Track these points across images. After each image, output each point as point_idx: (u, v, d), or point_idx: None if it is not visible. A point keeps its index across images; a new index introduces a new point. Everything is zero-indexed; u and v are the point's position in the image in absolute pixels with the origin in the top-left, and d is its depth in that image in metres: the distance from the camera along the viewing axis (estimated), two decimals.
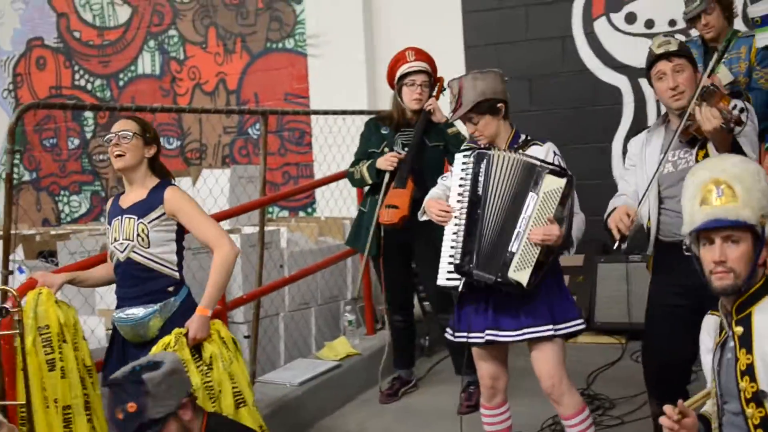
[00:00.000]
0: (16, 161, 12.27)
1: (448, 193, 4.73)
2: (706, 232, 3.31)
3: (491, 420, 4.91)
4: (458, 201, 4.59)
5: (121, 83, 11.70)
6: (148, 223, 4.66)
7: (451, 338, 4.81)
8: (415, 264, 6.74)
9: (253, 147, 10.51)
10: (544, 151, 4.63)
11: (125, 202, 4.80)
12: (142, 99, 11.19)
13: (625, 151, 8.28)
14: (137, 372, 3.80)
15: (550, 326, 4.53)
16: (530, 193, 4.41)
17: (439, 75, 6.61)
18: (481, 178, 4.51)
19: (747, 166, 3.38)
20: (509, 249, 4.41)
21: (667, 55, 4.56)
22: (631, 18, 8.41)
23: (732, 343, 3.31)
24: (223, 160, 10.81)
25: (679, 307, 4.48)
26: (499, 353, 4.81)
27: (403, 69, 6.44)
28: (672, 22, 8.22)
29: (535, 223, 4.39)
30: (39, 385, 4.49)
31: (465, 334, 4.66)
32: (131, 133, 4.71)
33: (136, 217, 4.68)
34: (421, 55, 6.50)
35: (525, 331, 4.52)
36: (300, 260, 7.66)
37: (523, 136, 4.73)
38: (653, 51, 4.63)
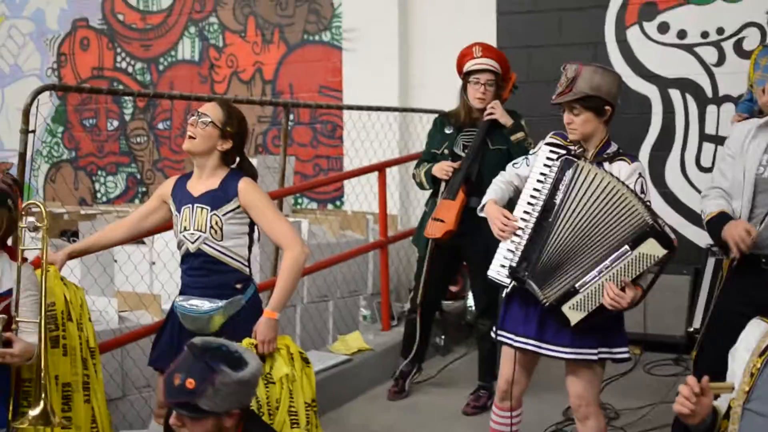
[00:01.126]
0: (57, 140, 12.52)
1: (516, 183, 4.62)
2: None
3: (498, 420, 4.84)
4: (532, 197, 4.44)
5: (161, 67, 11.79)
6: (223, 215, 4.49)
7: (494, 335, 4.67)
8: (468, 267, 6.74)
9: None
10: (629, 171, 4.39)
11: (195, 189, 4.61)
12: (180, 84, 11.30)
13: (652, 160, 8.30)
14: (219, 356, 3.65)
15: (595, 350, 4.40)
16: (625, 246, 4.19)
17: (513, 73, 6.55)
18: (562, 186, 4.32)
19: None
20: (575, 284, 4.27)
21: None
22: (663, 28, 8.36)
23: None
24: (256, 149, 10.85)
25: (744, 317, 4.05)
26: (530, 362, 4.71)
27: (468, 65, 6.32)
28: (704, 34, 8.18)
29: (614, 276, 4.21)
30: (42, 362, 4.51)
31: (511, 336, 4.55)
32: (209, 120, 4.52)
33: (209, 208, 4.51)
34: (489, 52, 6.37)
35: (569, 350, 4.39)
36: (318, 253, 7.67)
37: (614, 147, 4.51)
38: None
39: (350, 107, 8.34)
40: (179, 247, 4.65)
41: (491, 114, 6.24)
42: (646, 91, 8.44)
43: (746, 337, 3.54)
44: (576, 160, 4.36)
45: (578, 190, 4.29)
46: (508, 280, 4.50)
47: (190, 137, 4.53)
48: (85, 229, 6.72)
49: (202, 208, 4.51)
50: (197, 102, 10.39)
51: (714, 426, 3.41)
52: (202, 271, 4.56)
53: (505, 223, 4.45)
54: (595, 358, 4.42)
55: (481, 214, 4.66)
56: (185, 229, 4.56)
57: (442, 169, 6.24)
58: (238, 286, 4.56)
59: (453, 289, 8.28)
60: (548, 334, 4.44)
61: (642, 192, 4.36)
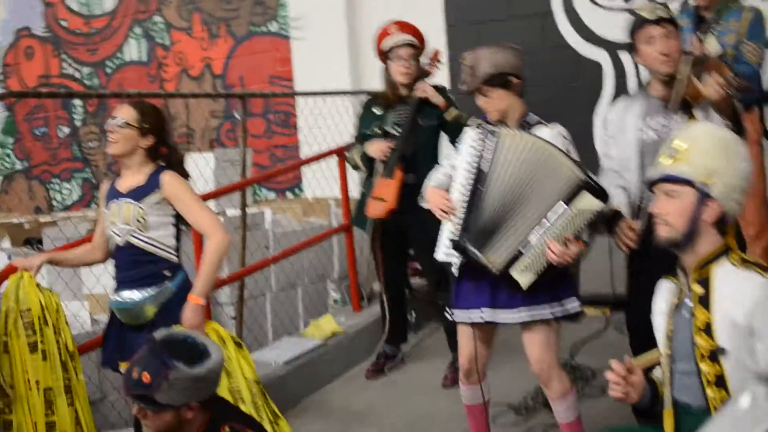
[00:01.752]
0: (8, 151, 12.43)
1: (452, 174, 4.64)
2: (653, 186, 3.47)
3: (467, 394, 4.89)
4: (464, 176, 4.49)
5: (108, 71, 11.74)
6: (146, 207, 4.62)
7: (450, 317, 4.71)
8: (412, 245, 6.77)
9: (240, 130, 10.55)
10: (550, 134, 4.49)
11: (122, 186, 4.74)
12: (129, 86, 11.24)
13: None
14: (179, 350, 3.69)
15: (548, 308, 4.46)
16: (561, 203, 4.28)
17: (434, 48, 6.60)
18: (487, 154, 4.39)
19: (715, 133, 3.46)
20: (520, 248, 4.32)
21: (657, 21, 4.54)
22: None
23: (689, 303, 3.37)
24: (210, 143, 10.85)
25: (654, 273, 4.43)
26: (486, 334, 4.75)
27: (387, 44, 6.41)
28: None
29: (554, 234, 4.29)
30: (21, 367, 4.56)
31: (465, 313, 4.59)
32: (124, 122, 4.64)
33: (134, 202, 4.64)
34: (405, 27, 6.44)
35: (523, 313, 4.44)
36: (284, 241, 7.70)
37: (534, 118, 4.63)
38: (642, 15, 4.60)
39: (306, 93, 8.36)
40: (109, 242, 4.78)
41: (423, 93, 6.31)
42: (597, 56, 8.49)
43: (658, 301, 3.63)
44: (496, 128, 4.46)
45: (503, 153, 4.37)
46: (455, 260, 4.56)
47: (112, 142, 4.67)
48: (53, 235, 6.69)
49: (128, 202, 4.64)
50: (148, 100, 10.47)
51: (658, 397, 3.50)
52: (131, 264, 4.68)
53: (445, 203, 4.52)
54: (549, 316, 4.48)
55: (424, 205, 4.73)
56: (113, 224, 4.69)
57: (380, 149, 6.30)
58: (167, 273, 4.68)
59: (419, 266, 8.33)
60: (501, 301, 4.49)
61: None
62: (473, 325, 4.62)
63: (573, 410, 4.67)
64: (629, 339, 4.98)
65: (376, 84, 8.60)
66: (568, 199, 4.27)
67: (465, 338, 4.74)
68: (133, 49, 11.50)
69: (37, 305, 4.63)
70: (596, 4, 8.47)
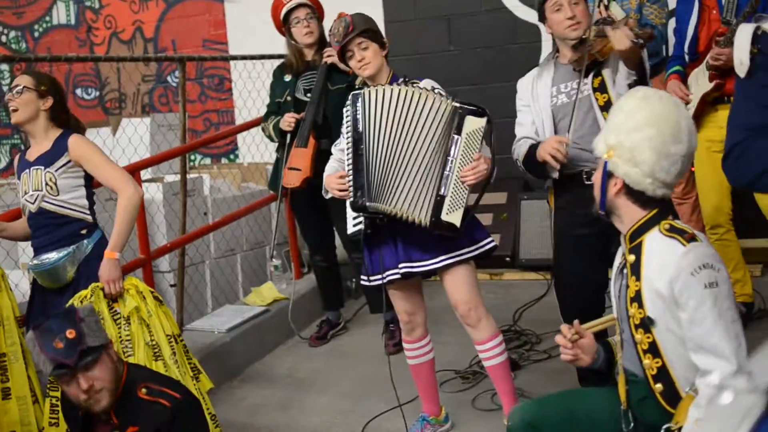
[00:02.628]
0: None
1: (343, 156, 4.72)
2: None
3: (413, 353, 4.96)
4: (347, 145, 4.59)
5: (36, 34, 11.52)
6: (55, 171, 4.74)
7: (368, 284, 4.78)
8: (328, 212, 6.75)
9: (172, 95, 10.43)
10: (422, 86, 4.63)
11: (31, 155, 4.88)
12: (58, 49, 11.00)
13: None
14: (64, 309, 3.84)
15: (466, 249, 4.57)
16: (454, 136, 4.41)
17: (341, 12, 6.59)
18: (360, 116, 4.52)
19: (620, 105, 3.48)
20: (439, 193, 4.41)
21: None
22: None
23: (626, 271, 3.42)
24: (143, 108, 10.71)
25: (585, 236, 4.52)
26: (414, 288, 4.83)
27: (284, 11, 6.47)
28: None
29: (461, 164, 4.40)
30: None
31: (379, 276, 4.67)
32: (22, 87, 4.78)
33: (42, 167, 4.77)
34: None
35: (440, 258, 4.53)
36: (224, 207, 7.65)
37: (401, 79, 4.75)
38: None
39: (244, 57, 8.26)
40: (24, 211, 4.94)
41: (331, 59, 6.27)
42: (534, 19, 8.40)
43: (614, 266, 3.66)
44: (360, 91, 4.61)
45: (371, 108, 4.52)
46: (361, 226, 4.64)
47: (14, 110, 4.82)
48: None
49: (37, 169, 4.79)
50: (79, 64, 10.29)
51: (614, 360, 3.58)
52: (47, 228, 4.83)
53: (340, 181, 4.61)
54: (468, 255, 4.59)
55: (327, 196, 4.84)
56: (26, 193, 4.84)
57: (286, 121, 6.33)
58: (83, 232, 4.84)
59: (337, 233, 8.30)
60: (415, 255, 4.58)
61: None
62: (394, 283, 4.68)
63: (503, 351, 4.76)
64: (559, 305, 5.01)
65: None
66: (458, 129, 4.42)
67: (396, 296, 4.84)
68: (62, 12, 11.28)
69: None
70: None
